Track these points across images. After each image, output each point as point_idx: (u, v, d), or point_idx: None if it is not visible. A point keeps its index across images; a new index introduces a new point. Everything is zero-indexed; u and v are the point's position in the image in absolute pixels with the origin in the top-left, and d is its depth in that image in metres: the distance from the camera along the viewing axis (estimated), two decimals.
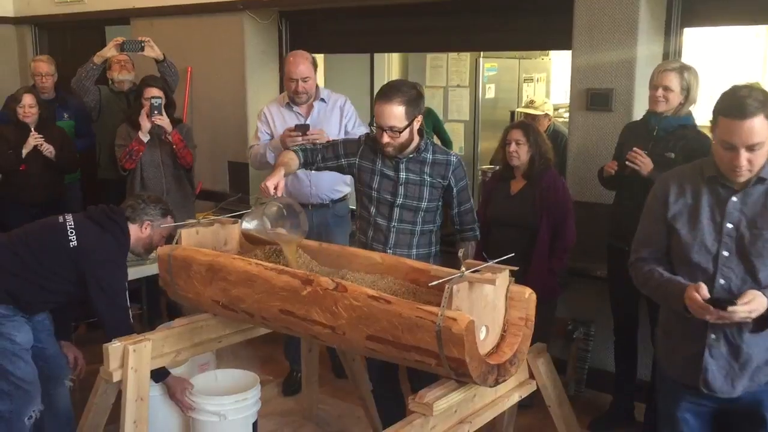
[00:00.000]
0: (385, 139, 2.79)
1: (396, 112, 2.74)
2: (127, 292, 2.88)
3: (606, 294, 3.61)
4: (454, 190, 2.92)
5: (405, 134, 2.79)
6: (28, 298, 2.85)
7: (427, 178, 2.89)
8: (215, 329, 2.81)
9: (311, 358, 3.51)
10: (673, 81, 3.17)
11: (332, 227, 3.85)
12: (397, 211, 2.91)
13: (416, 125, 2.81)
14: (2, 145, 4.46)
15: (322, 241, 3.49)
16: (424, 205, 2.90)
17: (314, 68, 3.73)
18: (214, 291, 2.60)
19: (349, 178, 3.79)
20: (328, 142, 3.16)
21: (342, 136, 3.73)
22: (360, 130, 3.78)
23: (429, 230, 2.97)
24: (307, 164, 3.00)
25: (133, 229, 2.96)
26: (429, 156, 2.90)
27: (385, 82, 3.03)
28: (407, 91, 2.77)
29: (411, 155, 2.88)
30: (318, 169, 3.06)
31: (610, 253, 3.48)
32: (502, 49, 5.61)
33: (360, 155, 2.96)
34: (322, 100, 3.80)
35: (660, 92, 3.20)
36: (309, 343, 3.43)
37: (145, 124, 4.03)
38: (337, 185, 3.85)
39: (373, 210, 2.95)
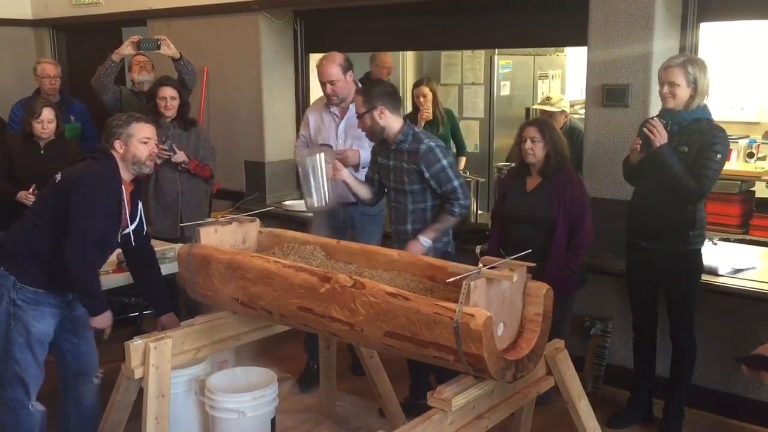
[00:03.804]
0: (359, 126, 3.35)
1: (358, 101, 3.31)
2: (98, 218, 2.79)
3: (624, 290, 3.60)
4: (427, 174, 3.25)
5: (367, 120, 3.27)
6: (59, 270, 2.80)
7: (405, 165, 3.29)
8: (234, 327, 2.84)
9: (329, 355, 3.53)
10: (678, 76, 3.14)
11: (359, 224, 3.86)
12: (392, 193, 3.41)
13: (377, 114, 3.23)
14: (1, 159, 4.21)
15: (346, 238, 3.58)
16: (407, 188, 3.31)
17: (345, 70, 3.75)
18: (233, 289, 2.63)
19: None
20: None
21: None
22: None
23: (421, 208, 3.34)
24: (380, 192, 3.54)
25: (114, 154, 2.89)
26: (406, 146, 3.29)
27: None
28: (370, 86, 3.38)
29: (394, 146, 3.30)
30: (379, 192, 3.53)
31: (628, 249, 3.47)
32: (517, 46, 5.59)
33: (377, 153, 3.45)
34: None
35: (666, 89, 3.20)
36: (327, 340, 3.45)
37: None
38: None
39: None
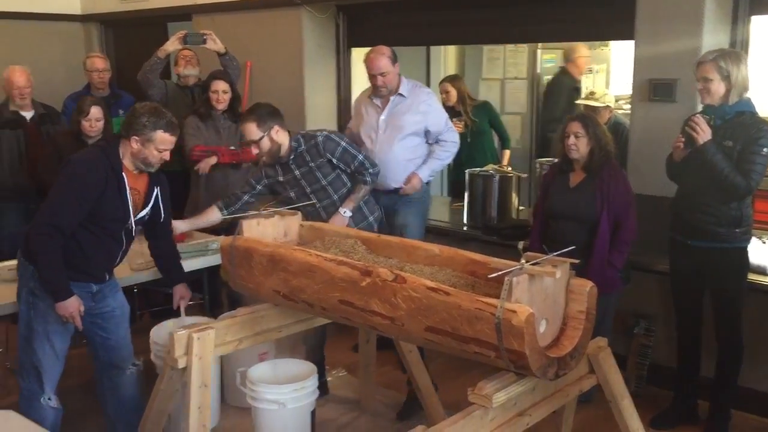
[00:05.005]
0: (254, 151, 3.50)
1: (250, 129, 3.41)
2: (77, 202, 2.74)
3: (668, 289, 3.54)
4: (334, 160, 3.50)
5: (266, 143, 3.42)
6: (75, 258, 2.82)
7: (312, 164, 3.50)
8: (276, 319, 2.86)
9: (368, 349, 3.54)
10: (710, 71, 3.11)
11: (399, 209, 3.96)
12: (312, 196, 3.53)
13: (274, 134, 3.43)
14: (51, 156, 4.19)
15: (386, 223, 3.85)
16: (325, 182, 3.53)
17: (393, 62, 3.84)
18: (275, 281, 2.65)
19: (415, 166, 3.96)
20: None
21: (414, 136, 3.89)
22: (450, 135, 3.97)
23: (344, 192, 3.58)
24: (227, 207, 3.64)
25: (124, 144, 2.84)
26: (302, 148, 3.50)
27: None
28: (256, 110, 3.46)
29: (292, 155, 3.49)
30: (240, 210, 3.50)
31: (672, 247, 3.41)
32: (561, 40, 5.52)
33: (266, 175, 3.60)
34: (401, 94, 3.90)
35: (700, 85, 3.17)
36: (367, 334, 3.46)
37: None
38: (407, 172, 3.91)
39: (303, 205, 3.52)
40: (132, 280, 3.43)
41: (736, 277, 3.26)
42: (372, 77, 3.86)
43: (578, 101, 4.75)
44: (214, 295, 4.46)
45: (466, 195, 4.59)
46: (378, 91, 3.89)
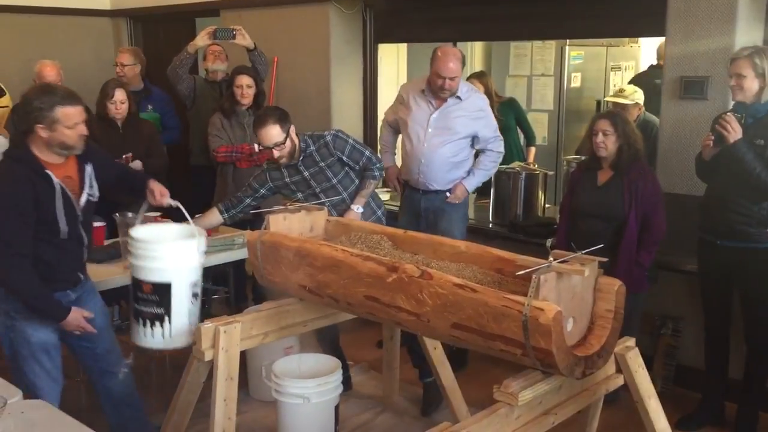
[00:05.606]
0: (276, 154, 3.41)
1: (274, 132, 3.35)
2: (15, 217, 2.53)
3: (696, 289, 3.50)
4: (344, 158, 3.52)
5: (288, 144, 3.40)
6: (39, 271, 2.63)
7: (322, 164, 3.50)
8: (301, 313, 2.87)
9: (392, 346, 3.54)
10: (745, 68, 3.08)
11: (439, 212, 3.94)
12: (322, 195, 3.50)
13: (293, 134, 3.43)
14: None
15: (427, 225, 3.87)
16: (335, 180, 3.54)
17: (463, 65, 3.76)
18: (301, 276, 2.66)
19: (463, 172, 3.95)
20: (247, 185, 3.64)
21: (463, 139, 3.85)
22: (497, 145, 3.93)
23: (353, 190, 3.60)
24: (228, 210, 3.57)
25: (33, 139, 2.58)
26: (311, 148, 3.50)
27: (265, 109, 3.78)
28: (273, 113, 3.43)
29: (301, 157, 3.48)
30: (242, 212, 3.57)
31: (700, 247, 3.37)
32: (590, 37, 5.46)
33: (271, 179, 3.56)
34: (458, 97, 3.82)
35: (733, 81, 3.14)
36: (391, 330, 3.46)
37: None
38: (452, 174, 3.90)
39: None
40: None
41: (766, 278, 3.22)
42: (439, 79, 3.70)
43: (607, 98, 4.70)
44: (240, 289, 4.49)
45: (491, 192, 4.57)
46: (442, 94, 3.77)
